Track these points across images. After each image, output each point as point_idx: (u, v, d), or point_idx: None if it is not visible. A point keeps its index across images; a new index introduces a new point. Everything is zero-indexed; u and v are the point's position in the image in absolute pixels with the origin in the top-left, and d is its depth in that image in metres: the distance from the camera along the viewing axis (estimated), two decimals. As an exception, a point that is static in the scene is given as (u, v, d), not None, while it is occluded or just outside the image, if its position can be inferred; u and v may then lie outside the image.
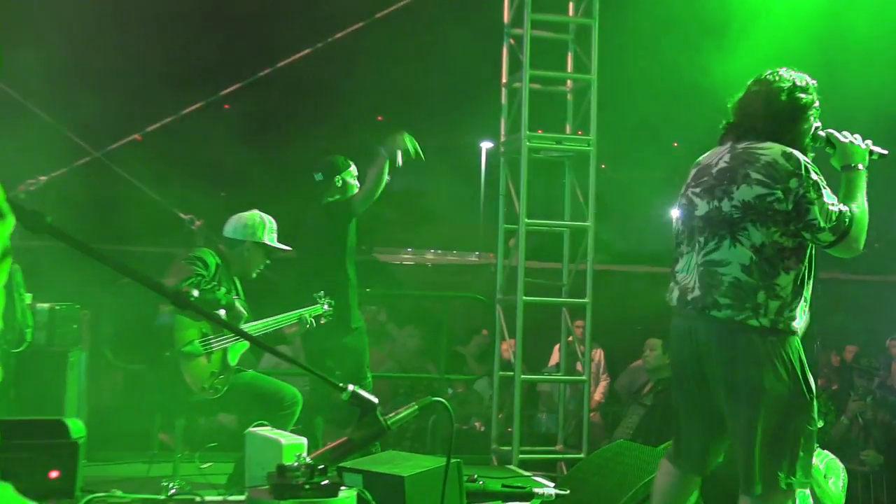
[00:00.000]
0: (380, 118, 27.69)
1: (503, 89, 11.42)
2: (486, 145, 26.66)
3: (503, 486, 8.01)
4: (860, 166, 4.96)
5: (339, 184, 8.61)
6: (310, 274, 8.38)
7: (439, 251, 26.78)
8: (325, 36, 12.26)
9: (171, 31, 13.82)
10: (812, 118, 5.01)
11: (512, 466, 9.80)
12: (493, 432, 10.69)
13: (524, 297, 10.14)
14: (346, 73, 20.94)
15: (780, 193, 4.69)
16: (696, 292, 4.90)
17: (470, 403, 13.18)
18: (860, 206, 4.87)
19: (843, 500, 6.82)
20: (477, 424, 12.66)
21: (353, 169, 8.82)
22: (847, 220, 4.77)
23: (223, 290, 7.21)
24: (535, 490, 7.56)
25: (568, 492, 7.21)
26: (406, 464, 4.36)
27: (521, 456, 9.94)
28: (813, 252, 4.90)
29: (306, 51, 12.23)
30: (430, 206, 24.63)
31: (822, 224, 4.71)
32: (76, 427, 2.66)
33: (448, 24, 14.68)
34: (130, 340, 9.12)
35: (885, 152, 5.08)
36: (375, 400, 2.65)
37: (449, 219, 24.40)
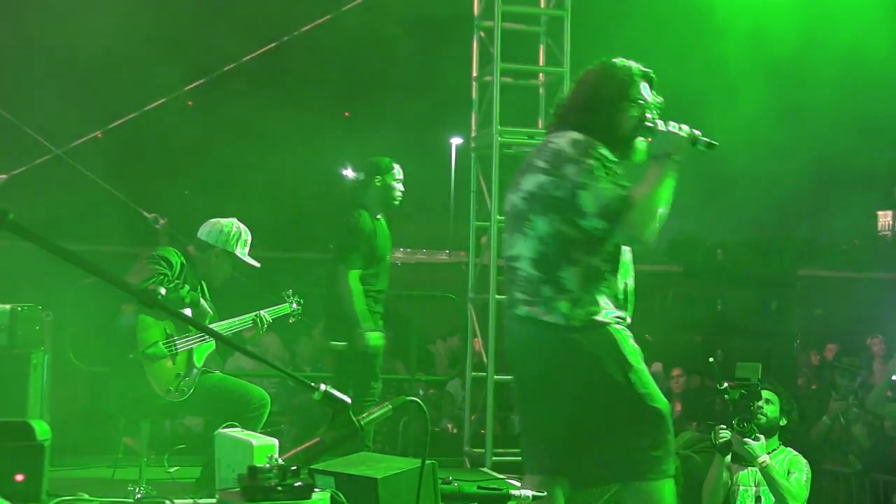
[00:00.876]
0: (347, 114, 27.67)
1: (473, 83, 11.41)
2: (455, 141, 26.69)
3: (479, 487, 8.01)
4: (676, 156, 4.69)
5: (378, 184, 8.44)
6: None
7: (408, 249, 26.80)
8: (290, 29, 12.22)
9: (133, 25, 13.73)
10: (636, 109, 4.79)
11: (485, 469, 9.82)
12: (465, 434, 10.70)
13: (497, 296, 10.04)
14: (312, 67, 20.88)
15: (557, 180, 4.56)
16: (506, 291, 4.89)
17: (442, 405, 13.20)
18: (654, 195, 4.61)
19: (807, 495, 6.85)
20: (449, 426, 12.67)
21: (398, 171, 8.51)
22: (621, 203, 4.50)
23: (187, 287, 7.18)
24: (512, 492, 7.57)
25: (545, 494, 7.21)
26: (379, 465, 4.35)
27: (494, 458, 9.95)
28: (616, 247, 4.73)
29: (272, 44, 12.19)
30: (399, 204, 24.63)
31: (590, 209, 4.49)
32: (41, 429, 2.64)
33: (416, 16, 14.67)
34: (93, 342, 9.09)
35: (715, 143, 4.83)
36: (348, 400, 2.64)
37: (418, 217, 24.38)
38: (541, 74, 11.40)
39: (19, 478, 2.54)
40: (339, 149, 29.22)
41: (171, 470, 8.16)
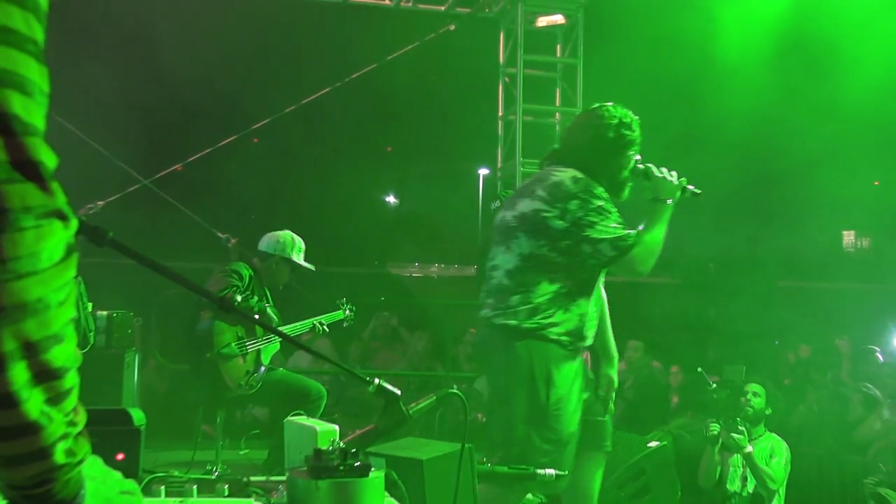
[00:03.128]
0: (389, 149, 27.69)
1: (499, 121, 11.45)
2: (483, 171, 26.65)
3: (508, 467, 8.00)
4: (668, 201, 4.64)
5: None
6: None
7: (443, 265, 26.76)
8: (342, 77, 12.27)
9: (207, 75, 13.82)
10: (633, 153, 4.70)
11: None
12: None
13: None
14: (360, 109, 20.93)
15: (556, 212, 4.42)
16: (481, 298, 4.76)
17: (471, 398, 13.15)
18: (655, 235, 4.59)
19: (786, 475, 6.84)
20: (479, 416, 12.63)
21: None
22: (632, 241, 4.46)
23: (255, 298, 7.22)
24: (537, 470, 7.54)
25: (567, 472, 7.19)
26: (424, 449, 4.34)
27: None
28: (591, 277, 4.61)
29: (326, 90, 12.22)
30: (434, 226, 24.63)
31: (602, 238, 4.40)
32: (138, 416, 2.65)
33: (450, 64, 14.70)
34: (176, 344, 9.13)
35: (699, 192, 4.78)
36: (398, 392, 2.64)
37: (451, 237, 24.38)
38: (557, 114, 11.42)
39: (120, 457, 2.55)
40: (382, 178, 29.28)
41: (243, 452, 8.18)
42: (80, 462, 1.35)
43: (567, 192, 4.42)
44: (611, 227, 4.40)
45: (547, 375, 4.46)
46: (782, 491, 6.91)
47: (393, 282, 22.84)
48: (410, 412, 2.72)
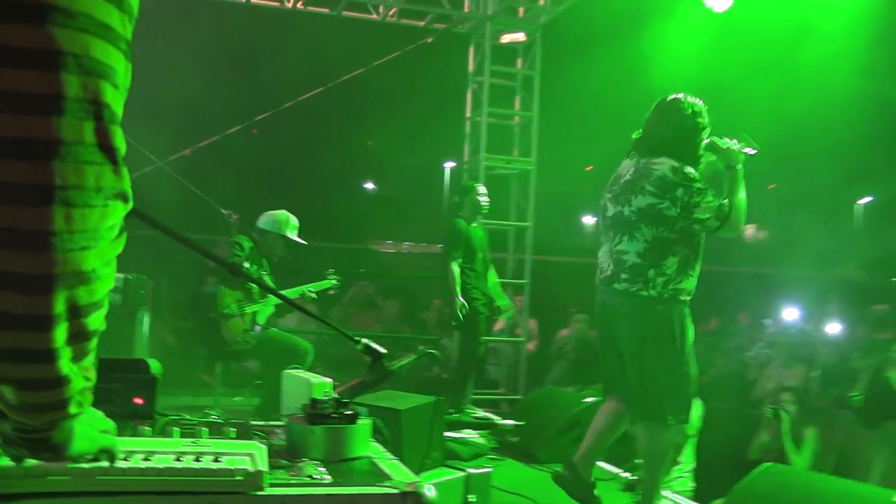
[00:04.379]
0: (370, 143, 27.59)
1: (467, 122, 11.43)
2: (449, 165, 26.58)
3: (473, 417, 8.01)
4: (738, 166, 4.86)
5: (470, 202, 8.47)
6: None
7: (413, 243, 26.75)
8: (333, 79, 12.26)
9: (216, 75, 13.72)
10: (706, 135, 4.90)
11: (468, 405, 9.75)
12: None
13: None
14: (347, 107, 20.89)
15: (668, 202, 4.64)
16: (608, 272, 4.90)
17: (437, 359, 13.13)
18: (740, 197, 4.79)
19: (700, 425, 6.89)
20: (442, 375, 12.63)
21: (480, 187, 8.61)
22: (727, 208, 4.69)
23: (255, 266, 7.17)
24: (499, 420, 7.55)
25: (524, 423, 7.20)
26: (400, 400, 4.33)
27: (473, 396, 9.89)
28: (700, 240, 4.83)
29: (319, 89, 12.20)
30: (407, 209, 24.60)
31: (708, 216, 4.64)
32: (155, 366, 2.61)
33: (426, 72, 14.67)
34: (183, 304, 9.06)
35: (754, 152, 4.98)
36: (384, 350, 2.59)
37: (420, 219, 24.33)
38: (516, 117, 11.41)
39: (139, 401, 2.49)
40: (363, 168, 29.27)
41: (237, 399, 8.12)
42: (83, 413, 1.33)
43: (672, 182, 4.65)
44: (711, 201, 4.66)
45: (682, 330, 4.75)
46: (693, 441, 6.95)
47: (371, 256, 22.83)
48: (394, 368, 2.68)
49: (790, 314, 16.05)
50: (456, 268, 8.14)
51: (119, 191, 1.21)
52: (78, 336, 1.22)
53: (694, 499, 6.26)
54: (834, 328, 13.67)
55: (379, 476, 2.01)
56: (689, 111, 4.86)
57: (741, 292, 17.13)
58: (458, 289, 8.11)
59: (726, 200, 4.72)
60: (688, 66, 9.33)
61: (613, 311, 4.91)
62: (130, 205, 1.24)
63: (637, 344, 4.79)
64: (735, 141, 4.91)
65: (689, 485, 6.87)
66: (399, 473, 2.03)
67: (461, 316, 8.08)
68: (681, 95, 4.94)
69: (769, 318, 16.05)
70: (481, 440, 6.93)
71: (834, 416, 9.09)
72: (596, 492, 5.14)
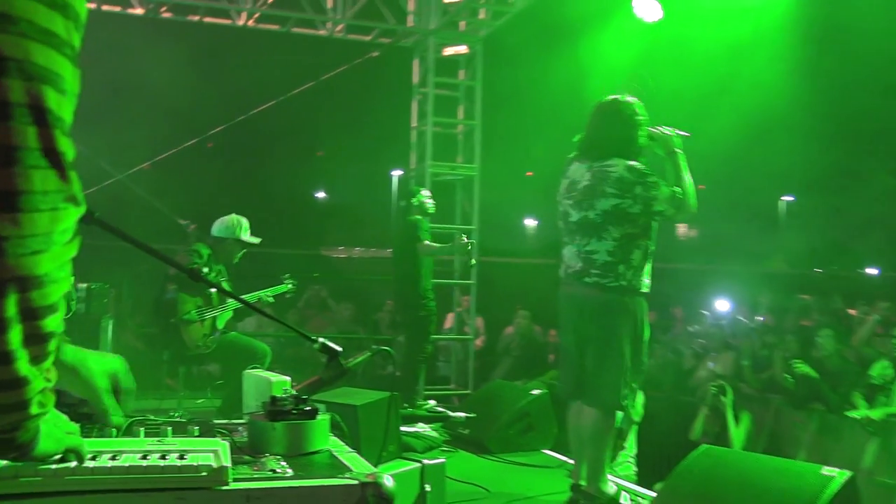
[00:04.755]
0: (320, 153, 27.51)
1: (412, 131, 11.43)
2: (396, 173, 26.60)
3: (427, 410, 8.01)
4: (678, 150, 4.92)
5: (416, 203, 8.56)
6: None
7: (363, 248, 26.70)
8: (284, 92, 12.21)
9: (168, 91, 13.60)
10: (645, 128, 4.95)
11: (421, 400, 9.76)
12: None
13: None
14: (298, 119, 20.81)
15: (629, 201, 4.70)
16: (576, 268, 4.90)
17: (390, 356, 13.11)
18: (686, 180, 4.85)
19: (643, 412, 6.97)
20: (396, 372, 12.62)
21: (424, 191, 8.78)
22: (680, 195, 4.78)
23: (213, 273, 7.11)
24: (451, 413, 7.56)
25: (475, 415, 7.22)
26: (356, 396, 4.32)
27: (425, 392, 9.90)
28: (654, 229, 4.89)
29: (271, 102, 12.16)
30: (357, 216, 24.57)
31: (664, 207, 4.72)
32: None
33: (373, 84, 14.67)
34: (144, 310, 8.96)
35: (687, 134, 5.03)
36: (339, 348, 2.57)
37: (370, 225, 24.32)
38: (460, 126, 11.43)
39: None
40: (314, 177, 29.19)
41: (199, 401, 8.04)
42: (46, 413, 1.32)
43: (629, 181, 4.71)
44: (664, 191, 4.73)
45: (642, 321, 4.84)
46: (636, 428, 7.02)
47: (323, 261, 22.76)
48: (349, 365, 2.66)
49: (722, 306, 16.28)
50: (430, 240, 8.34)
51: (68, 194, 1.19)
52: (34, 338, 1.20)
53: (637, 483, 6.31)
54: (763, 318, 13.88)
55: (339, 468, 2.00)
56: (628, 109, 4.92)
57: (676, 287, 17.34)
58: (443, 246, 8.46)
59: (678, 188, 4.80)
60: (621, 75, 9.41)
61: (582, 301, 4.89)
62: (83, 208, 1.22)
63: (602, 332, 4.81)
64: (669, 128, 4.97)
65: (633, 469, 6.94)
66: (358, 465, 2.03)
67: (470, 249, 8.33)
68: (618, 96, 4.98)
69: (705, 310, 16.27)
70: (434, 433, 6.94)
71: (765, 399, 9.24)
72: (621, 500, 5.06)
